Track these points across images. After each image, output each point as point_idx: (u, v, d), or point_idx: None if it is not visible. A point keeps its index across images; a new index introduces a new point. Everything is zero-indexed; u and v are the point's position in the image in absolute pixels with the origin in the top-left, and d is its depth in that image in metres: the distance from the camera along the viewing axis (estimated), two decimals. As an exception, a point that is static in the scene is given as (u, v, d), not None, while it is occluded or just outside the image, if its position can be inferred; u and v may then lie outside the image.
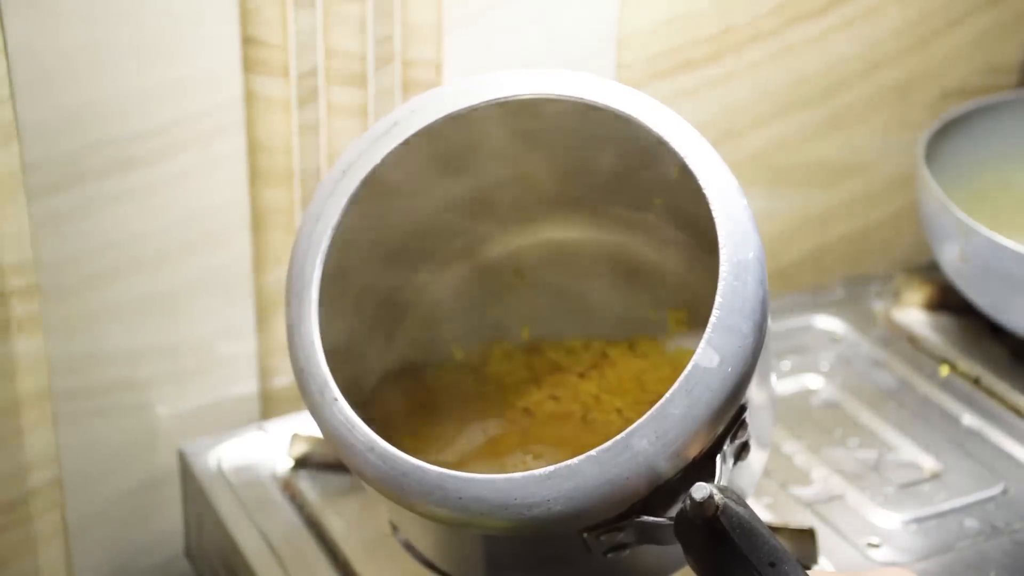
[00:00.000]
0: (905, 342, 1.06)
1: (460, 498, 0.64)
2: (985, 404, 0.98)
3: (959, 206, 1.00)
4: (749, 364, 0.65)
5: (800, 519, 0.86)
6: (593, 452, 0.63)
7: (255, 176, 0.92)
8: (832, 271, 1.16)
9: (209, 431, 0.94)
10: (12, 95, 0.81)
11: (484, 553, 0.72)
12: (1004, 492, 0.90)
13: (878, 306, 1.09)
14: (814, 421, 0.97)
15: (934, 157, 1.06)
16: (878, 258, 1.18)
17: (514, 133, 0.77)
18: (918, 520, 0.88)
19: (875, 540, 0.85)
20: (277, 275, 0.95)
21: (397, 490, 0.66)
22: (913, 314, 1.08)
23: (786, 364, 1.02)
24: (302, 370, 0.70)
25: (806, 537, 0.82)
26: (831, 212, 1.16)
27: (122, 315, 0.91)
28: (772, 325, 1.05)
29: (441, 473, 0.65)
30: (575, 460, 0.63)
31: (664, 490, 0.64)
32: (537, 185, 0.81)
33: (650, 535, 0.65)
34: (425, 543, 0.77)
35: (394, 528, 0.83)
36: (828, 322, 1.07)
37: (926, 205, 1.04)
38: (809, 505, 0.88)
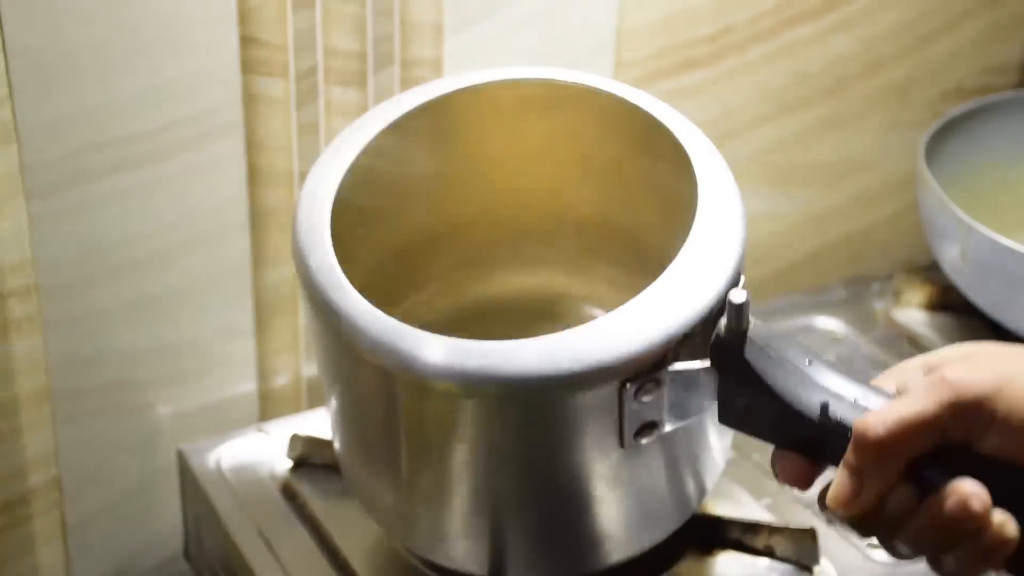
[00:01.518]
0: (905, 342, 1.06)
1: (509, 366, 0.65)
2: (986, 404, 0.98)
3: (959, 206, 1.00)
4: (743, 243, 0.70)
5: (801, 519, 0.86)
6: (627, 305, 0.66)
7: (254, 176, 0.92)
8: (832, 271, 1.16)
9: (208, 431, 0.94)
10: (11, 95, 0.81)
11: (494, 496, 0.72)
12: (1005, 492, 0.90)
13: (879, 306, 1.09)
14: (814, 421, 0.96)
15: (934, 157, 1.06)
16: (878, 258, 1.18)
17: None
18: (919, 520, 0.87)
19: (876, 541, 0.85)
20: (276, 275, 0.95)
21: (462, 376, 0.65)
22: (913, 314, 1.08)
23: (786, 364, 1.02)
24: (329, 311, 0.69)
25: (807, 537, 0.81)
26: (831, 212, 1.16)
27: (121, 315, 0.91)
28: (772, 327, 1.06)
29: (493, 346, 0.66)
30: (614, 312, 0.66)
31: (691, 342, 0.66)
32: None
33: (685, 382, 0.66)
34: (431, 529, 0.76)
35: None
36: (828, 322, 1.07)
37: (926, 205, 1.04)
38: (810, 506, 0.88)
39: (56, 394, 0.90)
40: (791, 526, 0.82)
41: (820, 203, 1.15)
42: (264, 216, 0.93)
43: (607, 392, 0.66)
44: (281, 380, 0.98)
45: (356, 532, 0.83)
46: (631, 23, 1.00)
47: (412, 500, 0.74)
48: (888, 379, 0.66)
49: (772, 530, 0.82)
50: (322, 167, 0.75)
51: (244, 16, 0.87)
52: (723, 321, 0.66)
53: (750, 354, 0.65)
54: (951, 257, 1.02)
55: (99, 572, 0.97)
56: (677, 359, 0.66)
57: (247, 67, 0.88)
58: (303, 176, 0.92)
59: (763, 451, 0.92)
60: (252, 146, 0.91)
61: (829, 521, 0.63)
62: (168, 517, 0.97)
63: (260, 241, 0.93)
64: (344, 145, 0.76)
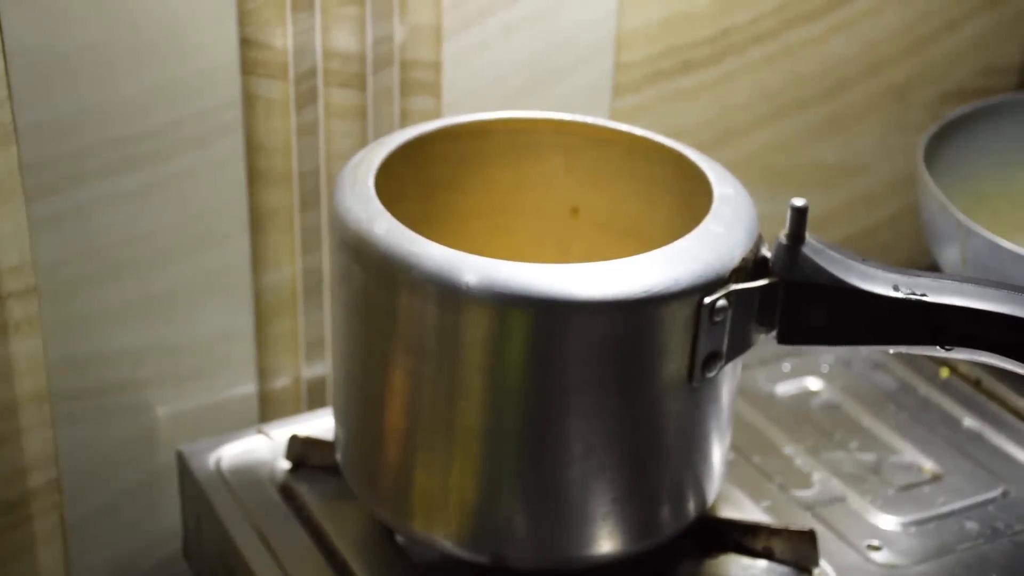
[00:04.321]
0: (905, 344, 1.06)
1: (589, 288, 0.69)
2: (985, 406, 0.98)
3: (959, 208, 1.00)
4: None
5: (800, 521, 0.86)
6: (689, 236, 0.72)
7: (254, 177, 0.92)
8: (832, 272, 1.16)
9: (208, 432, 0.94)
10: (10, 96, 0.81)
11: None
12: (1004, 494, 0.90)
13: (878, 308, 1.09)
14: (814, 423, 0.96)
15: (934, 159, 1.05)
16: (878, 260, 1.18)
17: None
18: (918, 522, 0.87)
19: (875, 542, 0.85)
20: (276, 276, 0.95)
21: (547, 305, 0.68)
22: (913, 316, 1.08)
23: (786, 366, 1.02)
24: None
25: (806, 539, 0.81)
26: (831, 213, 1.16)
27: (120, 316, 0.91)
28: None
29: (570, 268, 0.69)
30: (680, 241, 0.72)
31: (744, 267, 0.72)
32: None
33: (747, 304, 0.72)
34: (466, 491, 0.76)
35: (393, 531, 0.83)
36: (828, 324, 1.07)
37: (926, 207, 1.04)
38: (809, 508, 0.88)
39: (56, 395, 0.90)
40: (790, 528, 0.82)
41: (819, 205, 1.15)
42: (264, 217, 0.93)
43: (687, 311, 0.70)
44: (281, 381, 0.98)
45: (354, 532, 0.83)
46: (631, 24, 1.00)
47: (441, 456, 0.75)
48: None
49: (771, 532, 0.82)
50: (366, 151, 0.80)
51: (244, 17, 0.87)
52: (783, 231, 0.71)
53: (811, 254, 0.71)
54: (951, 259, 1.02)
55: (98, 572, 0.97)
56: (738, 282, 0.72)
57: (247, 68, 0.88)
58: (303, 177, 0.92)
59: (763, 453, 0.93)
60: (252, 147, 0.91)
61: None
62: (168, 517, 0.97)
63: (260, 242, 0.93)
64: (386, 139, 0.81)
